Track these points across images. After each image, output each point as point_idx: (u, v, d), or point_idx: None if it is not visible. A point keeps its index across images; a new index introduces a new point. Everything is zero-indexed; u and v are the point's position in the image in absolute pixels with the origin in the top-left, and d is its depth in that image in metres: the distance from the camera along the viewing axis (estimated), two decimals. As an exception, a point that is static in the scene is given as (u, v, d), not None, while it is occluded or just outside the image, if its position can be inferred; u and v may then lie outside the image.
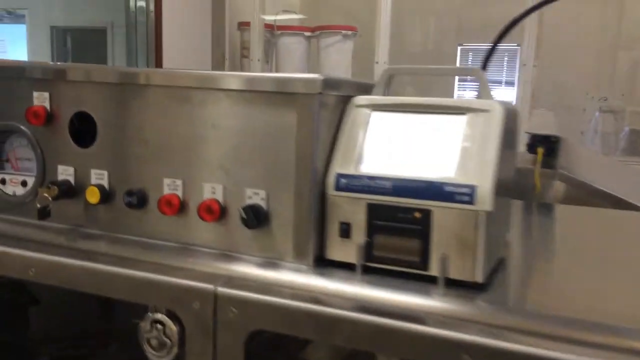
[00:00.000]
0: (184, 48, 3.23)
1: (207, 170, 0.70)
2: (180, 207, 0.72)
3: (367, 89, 0.73)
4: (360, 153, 0.66)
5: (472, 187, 0.58)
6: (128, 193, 0.74)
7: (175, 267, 0.69)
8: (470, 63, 4.30)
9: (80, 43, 3.77)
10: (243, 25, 3.60)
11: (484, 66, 0.99)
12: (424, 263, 0.61)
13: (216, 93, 0.69)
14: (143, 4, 2.98)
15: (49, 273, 0.71)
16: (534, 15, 2.74)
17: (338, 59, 3.49)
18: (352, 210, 0.64)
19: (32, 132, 0.79)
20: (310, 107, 0.64)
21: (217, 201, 0.69)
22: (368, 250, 0.63)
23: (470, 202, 0.58)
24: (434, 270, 0.60)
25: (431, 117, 0.65)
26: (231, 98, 0.68)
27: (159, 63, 3.06)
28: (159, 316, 0.66)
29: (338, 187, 0.65)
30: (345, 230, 0.65)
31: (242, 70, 3.55)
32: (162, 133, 0.72)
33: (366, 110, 0.68)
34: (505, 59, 4.01)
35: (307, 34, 3.54)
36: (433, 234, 0.60)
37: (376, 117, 0.67)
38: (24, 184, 0.81)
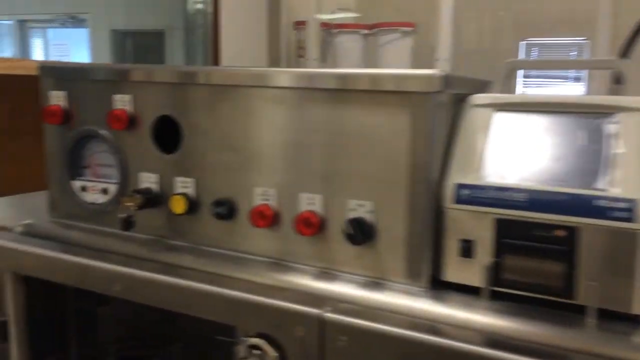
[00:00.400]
0: (240, 49, 3.20)
1: (304, 179, 0.64)
2: (273, 219, 0.65)
3: (483, 87, 0.65)
4: (482, 160, 0.57)
5: (632, 202, 0.49)
6: (216, 203, 0.68)
7: (271, 286, 0.63)
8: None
9: (139, 46, 3.82)
10: (299, 25, 3.55)
11: (625, 55, 0.88)
12: (568, 289, 0.52)
13: (315, 93, 0.62)
14: (201, 6, 2.97)
15: (136, 289, 0.66)
16: (606, 6, 2.57)
17: (396, 57, 3.38)
18: (476, 226, 0.56)
19: (112, 137, 0.75)
20: (426, 108, 0.56)
21: (315, 213, 0.63)
22: (495, 273, 0.55)
23: (629, 220, 0.49)
24: (580, 298, 0.51)
25: (567, 118, 0.56)
26: (333, 99, 0.61)
27: (216, 65, 3.04)
28: (257, 341, 0.60)
29: (459, 200, 0.56)
30: (467, 249, 0.56)
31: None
32: (254, 139, 0.66)
33: (487, 111, 0.59)
34: (573, 53, 3.81)
35: (364, 32, 3.45)
36: (580, 255, 0.51)
37: (499, 118, 0.59)
38: (104, 191, 0.77)
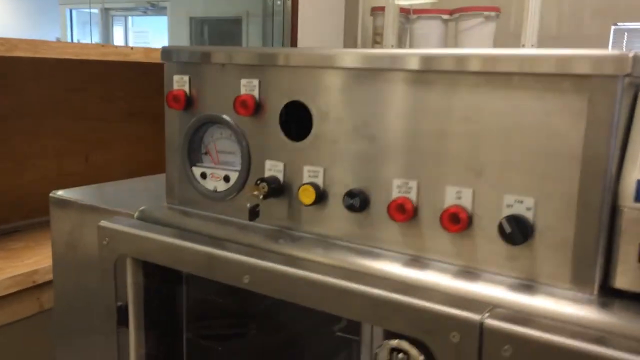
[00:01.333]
0: (318, 35, 3.17)
1: (451, 172, 0.59)
2: (413, 213, 0.61)
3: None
4: (667, 154, 0.51)
5: None
6: (349, 194, 0.64)
7: (411, 285, 0.58)
8: (625, 45, 3.83)
9: (216, 33, 3.86)
10: (376, 10, 3.47)
11: None
12: None
13: (468, 77, 0.57)
14: (279, -8, 2.96)
15: (266, 282, 0.63)
16: None
17: (479, 43, 3.24)
18: (661, 228, 0.49)
19: (237, 124, 0.72)
20: (609, 93, 0.50)
21: (463, 208, 0.58)
22: (684, 282, 0.48)
23: None
24: None
25: None
26: (492, 83, 0.55)
27: (293, 51, 3.02)
28: (403, 344, 0.56)
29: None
30: (648, 254, 0.50)
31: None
32: (393, 127, 0.62)
33: (671, 98, 0.52)
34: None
35: (445, 16, 3.33)
36: None
37: (686, 106, 0.52)
38: (226, 179, 0.74)
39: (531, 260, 0.55)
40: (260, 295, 0.89)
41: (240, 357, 0.92)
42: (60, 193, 0.88)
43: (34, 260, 1.34)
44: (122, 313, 0.76)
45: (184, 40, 3.70)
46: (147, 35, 4.47)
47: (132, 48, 1.59)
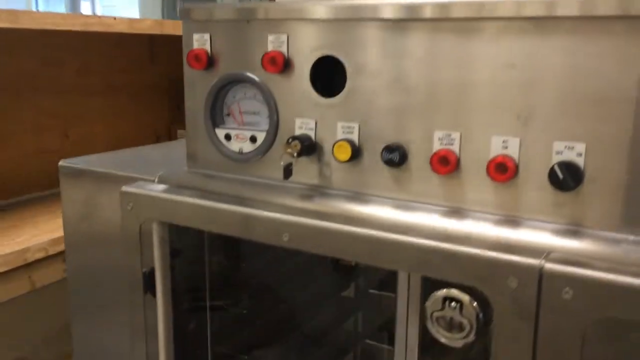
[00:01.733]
0: None
1: (497, 121, 0.58)
2: (456, 165, 0.61)
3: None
4: None
5: None
6: (388, 149, 0.64)
7: (461, 236, 0.58)
8: None
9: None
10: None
11: None
12: None
13: (521, 23, 0.56)
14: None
15: (308, 239, 0.62)
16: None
17: None
18: None
19: (265, 82, 0.70)
20: (664, 36, 0.50)
21: (510, 157, 0.58)
22: None
23: None
24: None
25: None
26: (543, 28, 0.55)
27: None
28: (454, 292, 0.56)
29: (693, 139, 0.51)
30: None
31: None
32: (435, 78, 0.61)
33: None
34: None
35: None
36: None
37: None
38: (252, 139, 0.73)
39: (579, 206, 0.56)
40: (282, 262, 0.89)
41: (265, 324, 0.91)
42: (70, 162, 0.85)
43: (23, 238, 1.30)
44: (148, 280, 0.74)
45: (157, 12, 3.58)
46: (116, 9, 4.31)
47: (115, 18, 1.54)
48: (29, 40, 1.57)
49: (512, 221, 0.59)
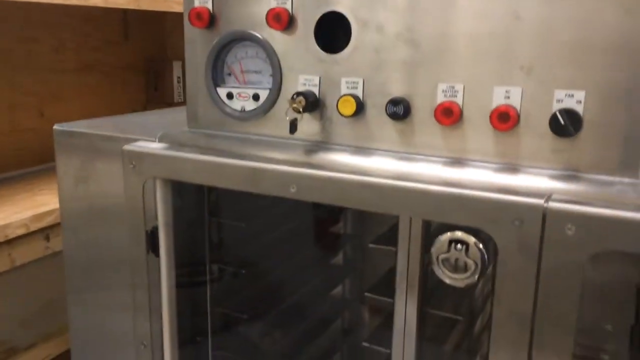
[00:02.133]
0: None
1: (499, 72, 0.61)
2: (460, 116, 0.63)
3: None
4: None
5: None
6: (392, 102, 0.65)
7: (464, 182, 0.61)
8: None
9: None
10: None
11: None
12: None
13: (517, -22, 0.58)
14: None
15: (315, 189, 0.64)
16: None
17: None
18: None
19: (268, 40, 0.71)
20: (661, -15, 0.53)
21: (512, 107, 0.60)
22: None
23: None
24: None
25: None
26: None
27: None
28: (459, 234, 0.58)
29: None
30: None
31: None
32: (438, 31, 0.63)
33: None
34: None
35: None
36: None
37: None
38: (255, 97, 0.74)
39: (577, 152, 0.59)
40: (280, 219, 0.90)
41: (264, 285, 0.92)
42: (64, 126, 0.84)
43: (3, 215, 1.28)
44: (151, 239, 0.75)
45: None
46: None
47: (90, -8, 1.51)
48: (4, 17, 1.53)
49: (513, 168, 0.62)
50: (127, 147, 0.73)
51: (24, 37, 1.62)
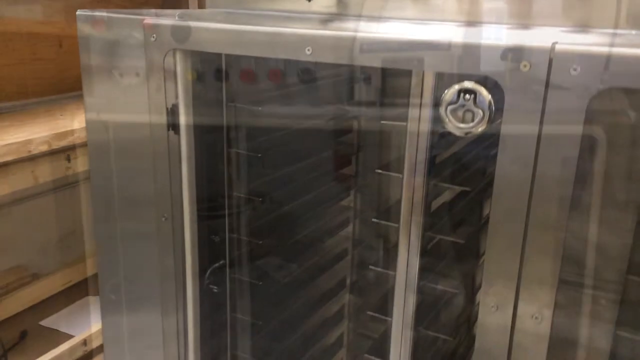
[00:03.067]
0: None
1: None
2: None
3: None
4: None
5: None
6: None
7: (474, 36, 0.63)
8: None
9: None
10: None
11: None
12: None
13: None
14: None
15: (330, 49, 0.66)
16: None
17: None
18: None
19: None
20: None
21: (524, -36, 0.62)
22: None
23: None
24: None
25: None
26: None
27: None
28: (470, 84, 0.60)
29: None
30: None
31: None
32: None
33: None
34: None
35: None
36: None
37: None
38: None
39: (587, 8, 0.60)
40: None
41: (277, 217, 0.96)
42: (87, 11, 0.86)
43: (26, 133, 1.30)
44: (172, 115, 0.77)
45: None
46: None
47: None
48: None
49: (525, 26, 0.63)
50: (148, 20, 0.75)
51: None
